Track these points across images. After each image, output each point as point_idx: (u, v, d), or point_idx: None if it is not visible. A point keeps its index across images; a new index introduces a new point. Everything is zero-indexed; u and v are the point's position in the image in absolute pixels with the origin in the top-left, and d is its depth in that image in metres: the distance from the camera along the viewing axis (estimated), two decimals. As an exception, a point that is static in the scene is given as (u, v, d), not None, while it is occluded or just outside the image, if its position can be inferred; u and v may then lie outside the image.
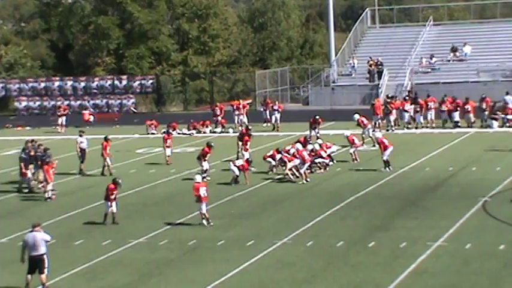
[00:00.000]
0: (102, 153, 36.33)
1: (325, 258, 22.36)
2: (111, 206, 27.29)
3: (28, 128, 57.13)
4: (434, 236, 23.88)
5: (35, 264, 20.32)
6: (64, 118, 54.80)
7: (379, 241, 23.73)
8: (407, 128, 48.03)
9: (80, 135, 38.19)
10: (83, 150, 37.53)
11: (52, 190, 32.06)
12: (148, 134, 50.43)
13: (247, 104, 54.08)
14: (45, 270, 20.35)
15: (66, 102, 63.38)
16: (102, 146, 36.46)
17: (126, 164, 38.85)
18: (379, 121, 47.34)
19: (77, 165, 37.53)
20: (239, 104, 52.01)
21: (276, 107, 51.05)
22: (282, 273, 21.15)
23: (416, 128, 47.80)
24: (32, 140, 36.68)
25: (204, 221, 26.49)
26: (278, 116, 50.37)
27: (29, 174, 33.89)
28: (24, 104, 67.40)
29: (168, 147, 38.53)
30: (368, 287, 19.63)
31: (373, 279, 20.19)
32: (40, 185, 33.57)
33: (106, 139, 36.75)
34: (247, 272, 21.42)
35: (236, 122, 50.77)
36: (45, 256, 20.39)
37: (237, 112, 51.06)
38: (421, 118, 47.95)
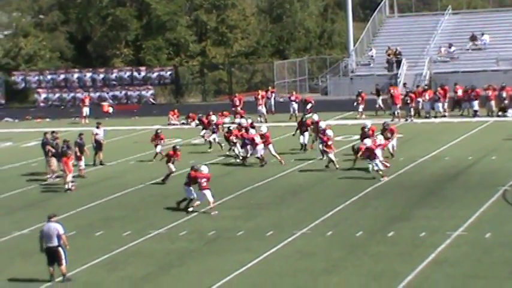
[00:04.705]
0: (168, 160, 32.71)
1: (345, 248, 22.38)
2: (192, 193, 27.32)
3: (47, 119, 57.37)
4: (454, 225, 23.85)
5: (51, 256, 20.47)
6: (87, 109, 55.02)
7: (398, 231, 23.72)
8: (426, 117, 47.88)
9: (97, 127, 38.21)
10: (97, 142, 37.52)
11: (72, 181, 32.23)
12: (169, 124, 50.39)
13: (269, 92, 54.00)
14: (63, 262, 20.47)
15: (86, 94, 63.42)
16: (168, 155, 33.10)
17: (145, 155, 38.92)
18: (398, 111, 47.23)
19: (97, 157, 37.59)
20: (257, 94, 52.00)
21: (293, 98, 51.08)
22: (301, 263, 21.20)
23: (435, 117, 47.63)
24: (53, 132, 36.89)
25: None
26: (296, 106, 50.39)
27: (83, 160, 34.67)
28: (43, 96, 67.69)
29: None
30: (388, 277, 19.64)
31: (393, 269, 20.20)
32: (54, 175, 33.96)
33: (174, 149, 32.79)
34: (267, 262, 21.48)
35: (266, 111, 50.76)
36: (59, 248, 20.49)
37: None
38: (440, 107, 47.77)
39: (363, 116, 47.93)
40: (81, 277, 20.99)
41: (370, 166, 30.93)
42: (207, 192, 27.04)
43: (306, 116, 41.97)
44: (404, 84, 51.71)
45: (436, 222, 24.42)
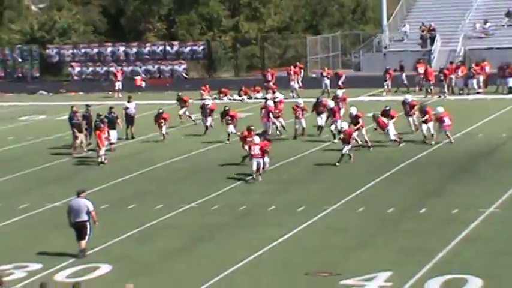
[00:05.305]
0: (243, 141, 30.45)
1: (376, 224, 22.35)
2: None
3: (81, 93, 57.63)
4: (487, 202, 23.71)
5: (78, 230, 20.57)
6: (120, 83, 55.11)
7: (431, 207, 23.63)
8: (460, 94, 47.51)
9: (128, 101, 38.31)
10: (128, 116, 37.58)
11: (104, 154, 32.37)
12: (202, 99, 50.31)
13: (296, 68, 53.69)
14: (86, 237, 20.57)
15: (119, 68, 63.53)
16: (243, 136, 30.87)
17: (178, 129, 39.02)
18: (432, 87, 46.90)
19: (129, 131, 37.71)
20: (290, 70, 51.76)
21: (324, 74, 50.82)
22: (333, 239, 21.20)
23: (468, 94, 47.23)
24: (87, 105, 37.13)
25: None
26: (328, 82, 50.17)
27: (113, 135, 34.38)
28: (77, 69, 67.97)
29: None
30: (420, 253, 19.58)
31: (425, 245, 20.14)
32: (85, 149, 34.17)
33: (249, 129, 30.60)
34: (298, 237, 21.50)
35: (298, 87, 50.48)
36: (87, 223, 20.57)
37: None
38: (475, 84, 47.34)
39: (387, 93, 47.98)
40: (114, 250, 21.15)
41: (344, 149, 29.89)
42: (255, 161, 27.77)
43: (339, 91, 41.56)
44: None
45: (469, 199, 24.30)
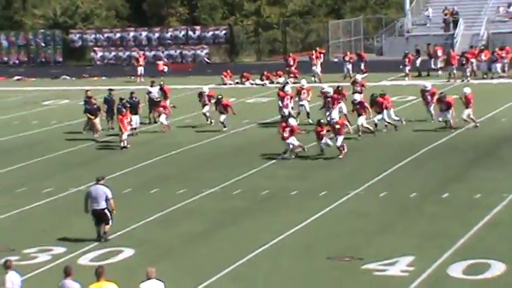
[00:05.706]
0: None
1: (398, 209, 22.34)
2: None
3: (104, 78, 57.82)
4: (510, 187, 23.62)
5: (98, 218, 20.68)
6: (142, 68, 55.20)
7: (453, 192, 23.58)
8: (483, 78, 47.24)
9: (151, 86, 38.38)
10: (151, 100, 37.57)
11: (126, 139, 32.43)
12: (224, 84, 50.32)
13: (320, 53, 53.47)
14: (110, 222, 20.67)
15: (141, 53, 63.57)
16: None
17: (199, 114, 39.01)
18: (454, 71, 46.67)
19: (152, 115, 37.77)
20: (312, 54, 51.59)
21: (347, 58, 50.63)
22: (355, 223, 21.22)
23: (492, 78, 46.96)
24: (110, 89, 37.26)
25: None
26: (350, 66, 49.97)
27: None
28: (100, 54, 68.14)
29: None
30: (442, 238, 19.56)
31: (447, 230, 20.12)
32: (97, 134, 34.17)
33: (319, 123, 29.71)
34: (321, 222, 21.54)
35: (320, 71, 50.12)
36: (106, 210, 20.58)
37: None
38: (498, 68, 47.05)
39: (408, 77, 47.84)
40: (137, 233, 21.27)
41: (330, 141, 29.13)
42: (287, 142, 28.69)
43: (359, 76, 41.29)
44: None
45: (492, 183, 24.22)
